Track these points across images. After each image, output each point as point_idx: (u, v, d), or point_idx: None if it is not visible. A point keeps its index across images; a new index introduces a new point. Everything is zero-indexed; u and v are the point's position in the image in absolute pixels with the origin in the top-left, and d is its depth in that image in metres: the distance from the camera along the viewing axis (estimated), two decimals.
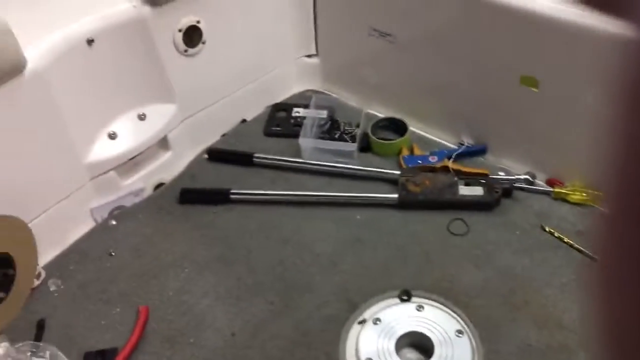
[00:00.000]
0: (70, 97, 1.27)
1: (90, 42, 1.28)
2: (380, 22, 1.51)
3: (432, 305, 1.17)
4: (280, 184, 1.46)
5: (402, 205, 1.37)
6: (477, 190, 1.37)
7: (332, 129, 1.57)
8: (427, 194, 1.38)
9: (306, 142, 1.50)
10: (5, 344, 1.05)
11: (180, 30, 1.40)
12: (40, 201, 1.28)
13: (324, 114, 1.60)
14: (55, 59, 1.22)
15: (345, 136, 1.55)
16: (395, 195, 1.38)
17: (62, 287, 1.26)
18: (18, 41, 1.13)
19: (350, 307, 1.20)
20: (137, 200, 1.45)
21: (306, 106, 1.64)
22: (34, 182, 1.26)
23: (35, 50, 1.19)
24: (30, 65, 1.17)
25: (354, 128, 1.57)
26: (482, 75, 1.41)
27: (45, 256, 1.29)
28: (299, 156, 1.51)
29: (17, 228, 1.17)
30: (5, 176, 1.19)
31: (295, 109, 1.65)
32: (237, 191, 1.42)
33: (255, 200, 1.42)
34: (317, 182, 1.47)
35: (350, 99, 1.66)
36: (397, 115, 1.57)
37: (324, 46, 1.70)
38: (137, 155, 1.43)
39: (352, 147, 1.49)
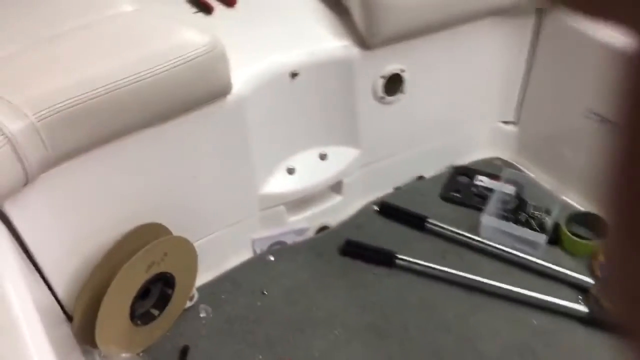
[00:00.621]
0: (262, 126, 1.24)
1: (294, 75, 1.24)
2: (604, 106, 1.32)
3: None
4: (451, 259, 1.33)
5: (590, 321, 1.18)
6: None
7: (517, 210, 1.41)
8: None
9: (488, 220, 1.35)
10: None
11: (382, 77, 1.32)
12: (208, 224, 1.27)
13: (511, 190, 1.45)
14: (258, 87, 1.20)
15: (532, 221, 1.38)
16: (584, 308, 1.20)
17: (211, 315, 1.23)
18: (230, 66, 1.11)
19: None
20: (298, 239, 1.39)
21: (492, 176, 1.50)
22: (209, 204, 1.24)
23: (242, 77, 1.17)
24: (234, 91, 1.15)
25: (543, 214, 1.39)
26: None
27: (201, 278, 1.27)
28: (477, 232, 1.36)
29: (186, 250, 1.16)
30: (185, 196, 1.19)
31: (480, 177, 1.51)
32: (403, 257, 1.31)
33: (421, 272, 1.30)
34: (493, 267, 1.32)
35: (544, 180, 1.49)
36: (599, 211, 1.37)
37: (526, 116, 1.54)
38: (310, 194, 1.37)
39: (540, 237, 1.32)
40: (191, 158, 1.16)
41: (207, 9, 1.38)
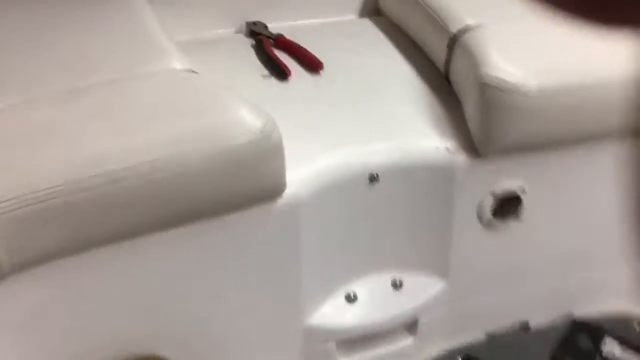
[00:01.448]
0: (320, 239, 0.93)
1: (373, 178, 0.92)
2: None
3: None
4: None
5: None
6: None
7: None
8: None
9: None
10: None
11: (494, 195, 0.98)
12: (231, 358, 0.95)
13: None
14: (322, 190, 0.89)
15: None
16: None
17: None
18: (285, 160, 0.82)
19: None
20: None
21: (627, 343, 1.09)
22: (234, 333, 0.92)
23: (302, 174, 0.87)
24: (288, 192, 0.85)
25: None
26: None
27: None
28: None
29: None
30: (202, 321, 0.88)
31: (608, 341, 1.10)
32: None
33: None
34: None
35: None
36: None
37: None
38: (373, 331, 1.03)
39: None
40: (217, 272, 0.86)
41: (282, 74, 1.10)
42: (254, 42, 1.20)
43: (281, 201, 0.84)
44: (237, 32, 1.25)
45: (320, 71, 1.12)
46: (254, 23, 1.23)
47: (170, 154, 0.72)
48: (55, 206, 0.67)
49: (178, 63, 0.90)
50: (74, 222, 0.69)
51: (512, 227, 1.02)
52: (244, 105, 0.80)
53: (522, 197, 0.99)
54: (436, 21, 1.05)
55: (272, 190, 0.83)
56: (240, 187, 0.79)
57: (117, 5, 1.00)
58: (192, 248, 0.82)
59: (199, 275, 0.85)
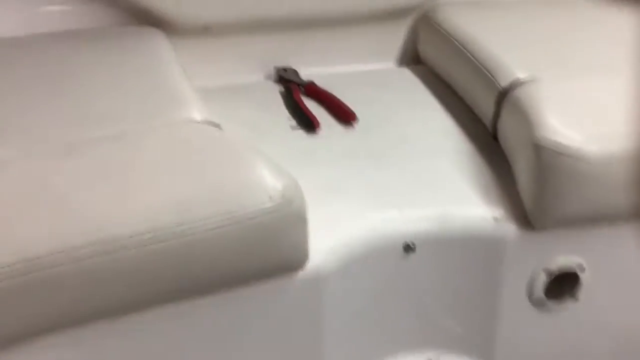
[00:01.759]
0: (346, 313, 0.82)
1: (409, 248, 0.81)
2: None
3: None
4: None
5: None
6: None
7: None
8: None
9: None
10: None
11: (547, 272, 0.85)
12: None
13: None
14: (350, 261, 0.79)
15: None
16: None
17: None
18: (308, 228, 0.72)
19: None
20: None
21: None
22: None
23: (326, 243, 0.77)
24: (311, 264, 0.75)
25: None
26: None
27: None
28: None
29: None
30: None
31: None
32: None
33: None
34: None
35: None
36: None
37: None
38: None
39: None
40: (228, 350, 0.76)
41: (310, 125, 1.02)
42: (283, 89, 1.13)
43: (303, 273, 0.74)
44: (267, 78, 1.17)
45: (353, 123, 1.03)
46: (284, 69, 1.16)
47: (175, 221, 0.63)
48: (40, 279, 0.58)
49: (197, 113, 0.82)
50: (62, 297, 0.60)
51: (568, 308, 0.89)
52: (264, 164, 0.71)
53: (580, 275, 0.86)
54: (483, 73, 0.95)
55: (292, 261, 0.73)
56: (256, 258, 0.69)
57: (137, 50, 0.94)
58: (199, 324, 0.72)
59: (208, 354, 0.75)
